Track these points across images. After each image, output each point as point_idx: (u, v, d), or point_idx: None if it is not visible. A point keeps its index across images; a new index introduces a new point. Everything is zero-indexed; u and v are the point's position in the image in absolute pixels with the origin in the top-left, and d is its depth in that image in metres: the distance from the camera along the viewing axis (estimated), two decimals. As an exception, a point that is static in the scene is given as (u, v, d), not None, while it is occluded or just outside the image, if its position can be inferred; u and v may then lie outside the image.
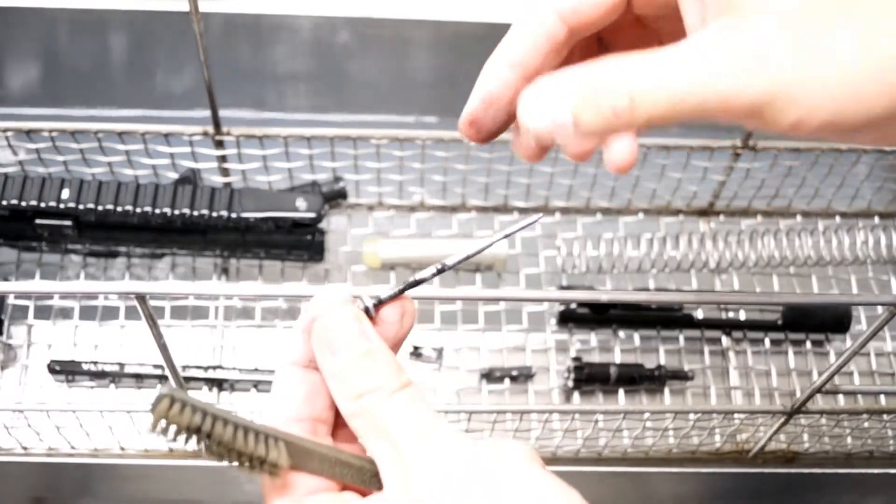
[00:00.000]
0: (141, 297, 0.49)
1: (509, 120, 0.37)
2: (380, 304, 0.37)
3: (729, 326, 0.85)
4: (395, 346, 0.37)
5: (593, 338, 0.84)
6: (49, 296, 0.81)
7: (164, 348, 0.54)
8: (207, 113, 0.76)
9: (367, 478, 0.35)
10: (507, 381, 0.82)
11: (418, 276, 0.38)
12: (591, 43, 0.39)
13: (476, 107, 0.37)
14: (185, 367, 0.78)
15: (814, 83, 0.31)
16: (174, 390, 0.32)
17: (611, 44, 0.39)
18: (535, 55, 0.36)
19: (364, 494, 0.35)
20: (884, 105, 0.31)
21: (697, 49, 0.32)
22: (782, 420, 0.69)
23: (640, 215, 0.89)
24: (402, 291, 0.37)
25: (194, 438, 0.32)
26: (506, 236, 0.39)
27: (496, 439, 0.34)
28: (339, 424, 0.37)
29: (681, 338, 0.85)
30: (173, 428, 0.32)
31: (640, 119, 0.32)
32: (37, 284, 0.79)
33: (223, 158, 0.80)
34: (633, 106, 0.32)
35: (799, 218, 0.90)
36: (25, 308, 0.82)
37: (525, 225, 0.39)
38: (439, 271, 0.38)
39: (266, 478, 0.34)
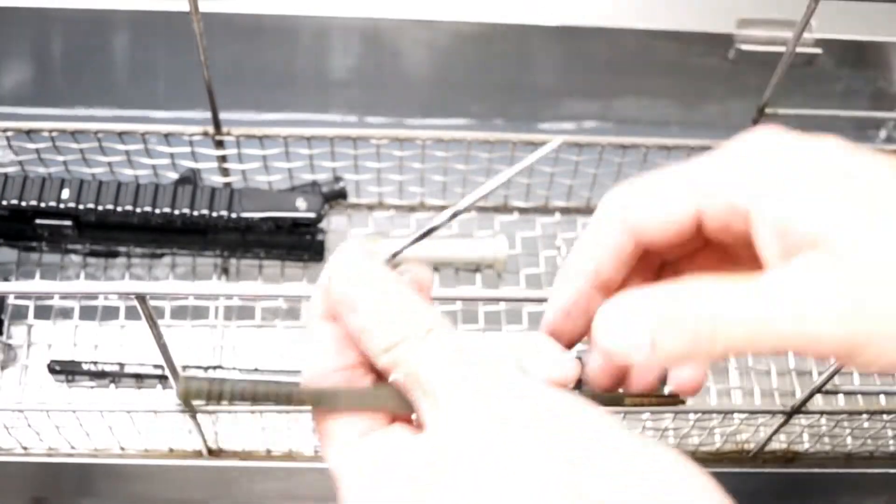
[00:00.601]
0: (141, 297, 0.49)
1: (586, 329, 0.37)
2: (395, 256, 0.37)
3: (729, 326, 0.85)
4: None
5: (593, 338, 0.84)
6: (49, 296, 0.81)
7: (164, 348, 0.54)
8: (207, 113, 0.76)
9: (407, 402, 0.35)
10: (507, 381, 0.82)
11: (433, 223, 0.38)
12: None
13: (555, 319, 0.37)
14: (185, 367, 0.78)
15: None
16: (190, 382, 0.33)
17: (685, 258, 0.38)
18: (606, 265, 0.37)
19: (411, 424, 0.35)
20: None
21: (782, 286, 0.31)
22: (782, 420, 0.69)
23: (640, 215, 0.89)
24: (416, 241, 0.37)
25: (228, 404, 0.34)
26: (522, 168, 0.39)
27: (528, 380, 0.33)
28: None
29: (681, 338, 0.85)
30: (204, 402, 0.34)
31: (719, 348, 0.32)
32: (37, 284, 0.79)
33: (223, 158, 0.80)
34: (714, 335, 0.32)
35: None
36: (25, 308, 0.82)
37: (544, 153, 0.38)
38: (454, 215, 0.38)
39: (318, 421, 0.35)
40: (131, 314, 0.81)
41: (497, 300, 0.80)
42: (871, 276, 0.30)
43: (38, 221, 0.77)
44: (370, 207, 0.88)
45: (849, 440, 0.78)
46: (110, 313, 0.82)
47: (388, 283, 0.35)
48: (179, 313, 0.83)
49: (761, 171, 0.33)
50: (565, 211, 0.89)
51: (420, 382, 0.33)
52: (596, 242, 0.37)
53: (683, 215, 0.35)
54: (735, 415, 0.73)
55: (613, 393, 0.37)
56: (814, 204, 0.31)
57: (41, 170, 0.80)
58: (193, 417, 0.66)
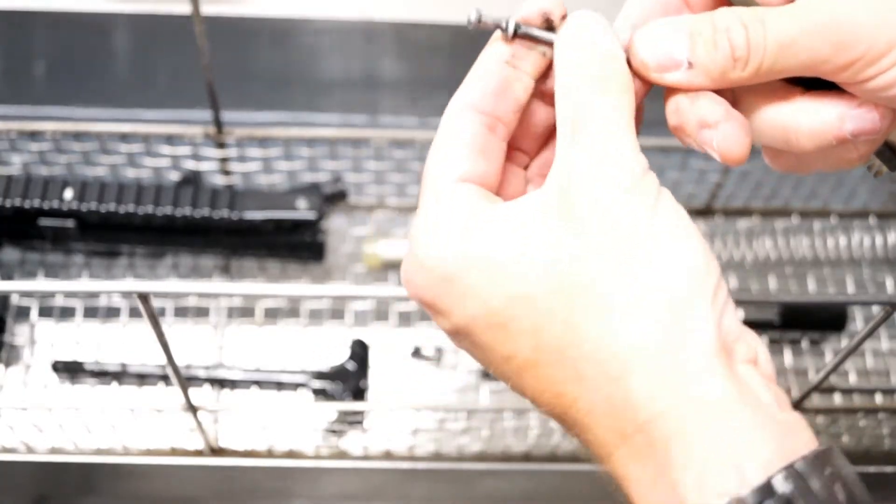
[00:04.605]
0: (143, 297, 0.49)
1: None
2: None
3: (726, 325, 0.85)
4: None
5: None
6: (52, 295, 0.82)
7: (166, 347, 0.54)
8: (209, 114, 0.76)
9: None
10: (506, 379, 0.83)
11: None
12: None
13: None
14: (187, 367, 0.78)
15: None
16: None
17: None
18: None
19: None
20: None
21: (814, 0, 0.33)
22: (779, 418, 0.70)
23: (639, 215, 0.90)
24: None
25: None
26: None
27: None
28: (513, 146, 0.37)
29: (679, 337, 0.85)
30: None
31: (751, 66, 0.33)
32: (40, 284, 0.79)
33: (225, 159, 0.81)
34: (749, 48, 0.33)
35: (795, 218, 0.90)
36: (28, 307, 0.82)
37: None
38: None
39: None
40: (134, 313, 0.82)
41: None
42: None
43: (41, 221, 0.77)
44: (370, 208, 0.88)
45: (845, 438, 0.78)
46: (113, 313, 0.82)
47: (616, 48, 0.34)
48: (181, 313, 0.83)
49: None
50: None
51: (573, 125, 0.33)
52: None
53: None
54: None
55: None
56: None
57: (44, 170, 0.81)
58: (195, 416, 0.67)
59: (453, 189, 0.34)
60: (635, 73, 0.35)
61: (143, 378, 0.79)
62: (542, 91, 0.37)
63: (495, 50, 0.36)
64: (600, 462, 0.32)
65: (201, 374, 0.79)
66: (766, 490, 0.28)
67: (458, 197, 0.34)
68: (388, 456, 0.78)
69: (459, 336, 0.34)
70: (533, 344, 0.32)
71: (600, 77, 0.33)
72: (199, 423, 0.69)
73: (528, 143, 0.38)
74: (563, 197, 0.32)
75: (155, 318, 0.52)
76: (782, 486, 0.29)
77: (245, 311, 0.84)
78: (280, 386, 0.80)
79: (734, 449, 0.29)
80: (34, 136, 0.78)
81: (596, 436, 0.32)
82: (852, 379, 0.83)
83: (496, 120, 0.35)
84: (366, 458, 0.78)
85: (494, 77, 0.35)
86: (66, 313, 0.82)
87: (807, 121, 0.35)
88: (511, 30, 0.35)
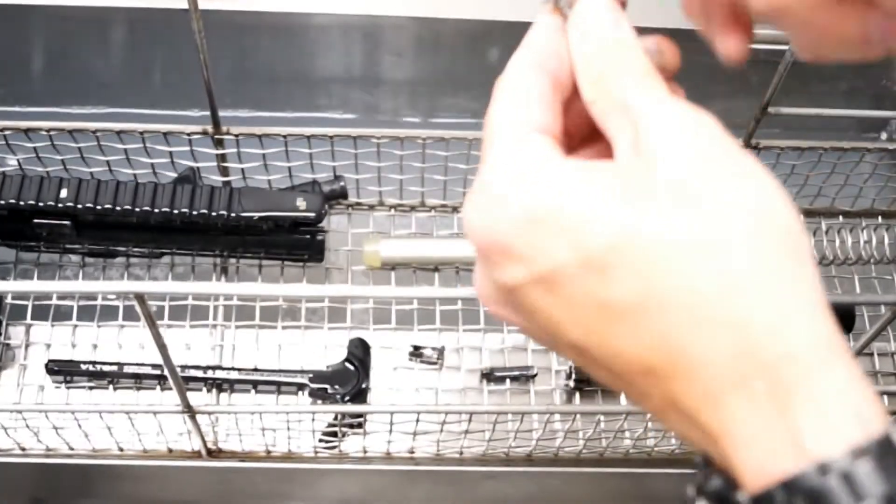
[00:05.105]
0: (140, 297, 0.48)
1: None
2: None
3: (731, 326, 0.84)
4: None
5: (595, 338, 0.84)
6: (47, 296, 0.81)
7: (162, 348, 0.54)
8: (207, 112, 0.75)
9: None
10: (508, 381, 0.82)
11: None
12: None
13: None
14: (183, 368, 0.78)
15: None
16: None
17: None
18: None
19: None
20: None
21: None
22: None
23: (642, 215, 0.89)
24: None
25: None
26: None
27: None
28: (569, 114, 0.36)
29: (683, 338, 0.84)
30: None
31: None
32: (35, 284, 0.78)
33: (223, 157, 0.80)
34: None
35: (802, 217, 0.90)
36: (24, 308, 0.81)
37: None
38: None
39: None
40: (130, 314, 0.81)
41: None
42: None
43: (36, 221, 0.76)
44: (370, 207, 0.87)
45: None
46: (109, 313, 0.82)
47: (623, 27, 0.34)
48: (178, 313, 0.82)
49: None
50: (566, 210, 0.88)
51: (626, 108, 0.32)
52: None
53: None
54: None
55: None
56: None
57: (39, 169, 0.80)
58: (193, 418, 0.66)
59: (533, 137, 0.33)
60: None
61: (139, 379, 0.78)
62: None
63: (546, 17, 0.36)
64: (690, 416, 0.31)
65: (199, 375, 0.78)
66: (887, 443, 0.28)
67: (540, 145, 0.33)
68: (387, 458, 0.77)
69: (534, 286, 0.32)
70: (640, 288, 0.31)
71: (618, 53, 0.34)
72: (196, 425, 0.68)
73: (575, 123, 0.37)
74: (646, 159, 0.32)
75: (152, 319, 0.51)
76: None
77: (243, 312, 0.83)
78: (279, 387, 0.79)
79: (854, 396, 0.28)
80: (29, 133, 0.77)
81: (701, 385, 0.30)
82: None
83: (558, 80, 0.35)
84: (365, 459, 0.77)
85: (552, 41, 0.35)
86: (62, 314, 0.82)
87: None
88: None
